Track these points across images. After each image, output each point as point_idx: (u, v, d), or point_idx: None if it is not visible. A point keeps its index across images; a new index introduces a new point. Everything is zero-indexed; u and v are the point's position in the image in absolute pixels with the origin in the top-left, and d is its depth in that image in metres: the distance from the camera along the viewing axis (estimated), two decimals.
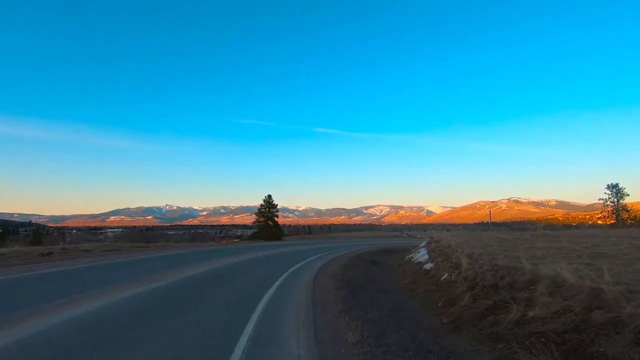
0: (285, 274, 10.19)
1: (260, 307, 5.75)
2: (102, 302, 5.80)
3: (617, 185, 62.10)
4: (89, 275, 9.26)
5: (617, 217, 60.56)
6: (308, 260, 15.55)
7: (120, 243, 23.20)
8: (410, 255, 16.72)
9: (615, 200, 61.68)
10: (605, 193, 61.57)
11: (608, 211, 64.33)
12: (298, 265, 13.15)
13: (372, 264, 15.95)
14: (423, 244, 18.41)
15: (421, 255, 14.11)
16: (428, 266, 11.09)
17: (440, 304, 7.38)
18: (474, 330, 5.52)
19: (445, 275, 8.97)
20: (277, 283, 8.46)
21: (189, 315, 5.17)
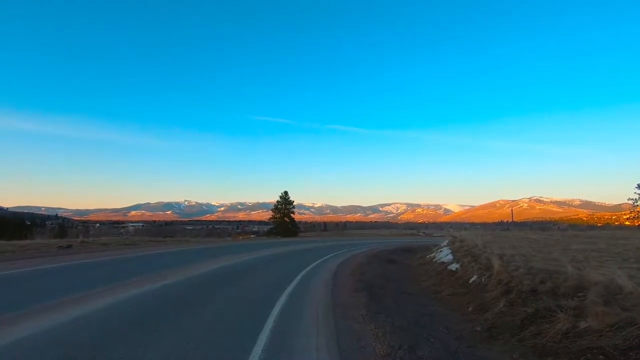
0: (303, 273, 9.76)
1: (275, 310, 5.27)
2: (106, 301, 5.47)
3: None
4: (100, 270, 9.07)
5: None
6: (325, 258, 15.11)
7: (138, 237, 23.36)
8: (432, 255, 16.04)
9: None
10: (635, 193, 58.85)
11: (638, 211, 61.51)
12: (315, 263, 12.72)
13: (390, 263, 15.37)
14: (445, 243, 17.69)
15: (444, 255, 13.44)
16: (453, 267, 10.45)
17: (470, 308, 6.79)
18: (514, 341, 4.93)
19: (474, 278, 8.34)
20: (294, 283, 8.01)
21: (196, 321, 4.65)
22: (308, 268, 10.95)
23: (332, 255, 16.87)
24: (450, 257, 12.26)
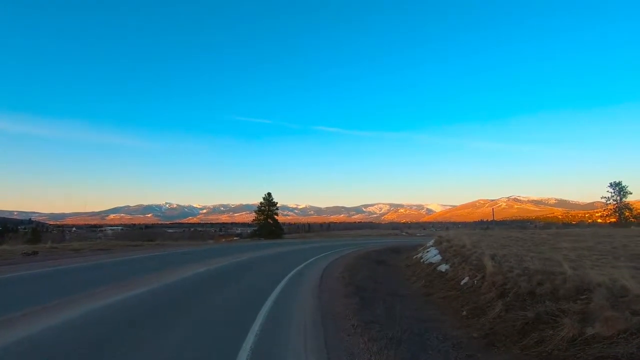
0: (287, 277, 9.22)
1: (257, 323, 4.69)
2: (62, 316, 4.80)
3: (620, 183, 61.35)
4: (62, 280, 8.17)
5: (619, 215, 59.87)
6: (311, 260, 14.61)
7: (114, 241, 22.27)
8: (419, 255, 15.80)
9: (618, 198, 60.96)
10: (607, 191, 60.94)
11: (610, 209, 63.63)
12: (301, 266, 12.21)
13: (379, 265, 15.04)
14: (431, 243, 17.50)
15: (432, 255, 13.18)
16: (443, 268, 10.16)
17: (464, 312, 6.46)
18: (516, 349, 4.58)
19: (466, 279, 8.04)
20: (278, 289, 7.45)
21: (167, 338, 4.04)
22: (293, 272, 10.42)
23: (318, 257, 16.40)
24: (438, 257, 11.99)
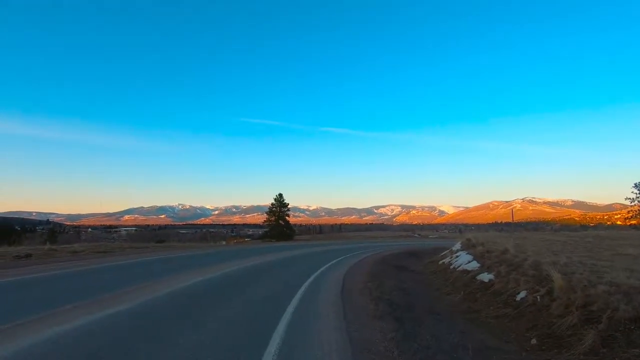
0: (303, 289, 7.72)
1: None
2: (19, 344, 3.57)
3: None
4: (42, 290, 6.91)
5: None
6: (327, 266, 13.18)
7: (118, 243, 21.24)
8: (446, 261, 14.24)
9: None
10: (632, 192, 58.05)
11: (635, 211, 60.62)
12: (317, 273, 10.79)
13: (401, 271, 13.54)
14: (459, 247, 15.89)
15: (464, 261, 11.62)
16: (485, 277, 8.62)
17: (534, 341, 4.96)
18: None
19: (523, 294, 6.52)
20: (293, 307, 5.92)
21: None
22: (309, 281, 8.98)
23: (334, 261, 14.97)
24: (475, 264, 10.43)
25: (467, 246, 14.71)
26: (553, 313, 5.35)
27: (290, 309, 5.68)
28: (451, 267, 12.40)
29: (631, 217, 60.44)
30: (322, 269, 12.04)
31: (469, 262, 11.23)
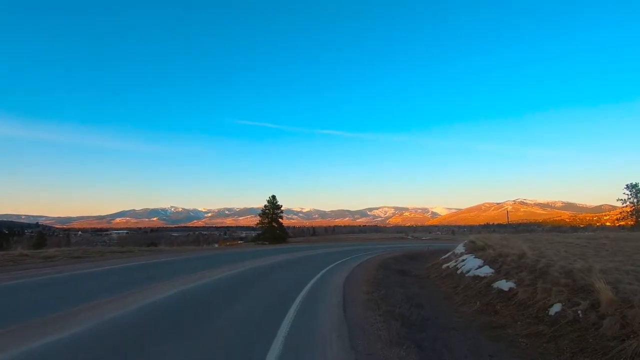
0: (299, 301, 6.68)
1: None
2: None
3: (637, 185, 58.53)
4: None
5: (637, 218, 56.90)
6: (325, 271, 12.11)
7: (99, 247, 19.91)
8: (450, 265, 13.27)
9: (635, 200, 58.01)
10: (624, 193, 58.29)
11: (627, 212, 60.61)
12: (314, 280, 9.70)
13: (403, 276, 12.56)
14: (463, 250, 14.93)
15: (473, 265, 10.64)
16: (504, 285, 7.63)
17: None
18: None
19: (558, 307, 5.53)
20: (287, 325, 4.85)
21: None
22: (305, 291, 7.86)
23: (332, 266, 13.90)
24: (487, 269, 9.45)
25: (473, 249, 13.75)
26: (606, 334, 4.37)
27: (283, 330, 4.59)
28: (458, 272, 11.42)
29: (623, 217, 60.59)
30: (318, 275, 10.96)
31: (480, 267, 10.25)
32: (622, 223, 60.14)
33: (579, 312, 5.09)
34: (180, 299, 6.44)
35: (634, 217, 57.74)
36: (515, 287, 7.22)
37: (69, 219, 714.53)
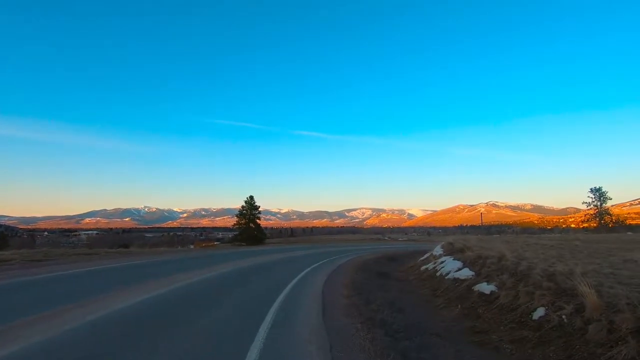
0: (275, 308, 6.29)
1: None
2: None
3: (600, 189, 61.50)
4: None
5: (600, 220, 59.73)
6: (303, 274, 11.75)
7: (63, 249, 18.72)
8: (429, 267, 13.23)
9: (599, 203, 60.92)
10: (588, 196, 61.05)
11: (590, 214, 63.55)
12: (292, 284, 9.31)
13: (383, 279, 12.37)
14: (441, 252, 14.95)
15: (453, 267, 10.58)
16: (484, 288, 7.53)
17: None
18: None
19: (542, 312, 5.42)
20: (261, 338, 4.42)
21: None
22: (282, 296, 7.45)
23: (310, 269, 13.55)
24: (467, 272, 9.38)
25: (452, 251, 13.78)
26: (593, 339, 4.25)
27: (258, 342, 4.21)
28: (438, 274, 11.36)
29: (587, 220, 63.40)
30: (297, 278, 10.59)
31: (459, 269, 10.19)
32: (585, 225, 62.94)
33: (564, 316, 4.98)
34: (143, 309, 5.91)
35: (598, 219, 60.54)
36: (496, 291, 7.13)
37: (34, 219, 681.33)
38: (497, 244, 12.27)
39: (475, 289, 7.87)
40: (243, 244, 45.19)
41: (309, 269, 13.63)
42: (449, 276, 10.10)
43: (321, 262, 17.12)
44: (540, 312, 5.47)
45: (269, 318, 5.45)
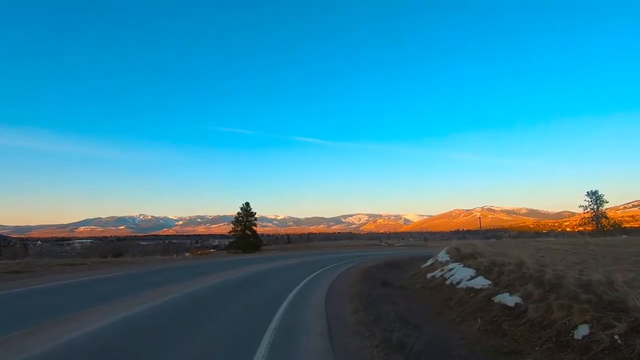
0: (273, 328, 5.43)
1: None
2: None
3: (596, 192, 61.47)
4: None
5: (597, 223, 59.48)
6: (302, 285, 10.88)
7: (47, 260, 17.69)
8: (435, 274, 12.44)
9: (595, 207, 60.74)
10: (585, 200, 60.94)
11: (587, 218, 63.34)
12: (291, 296, 8.43)
13: (389, 289, 11.53)
14: (446, 257, 14.17)
15: (464, 275, 9.78)
16: (507, 300, 6.74)
17: None
18: None
19: (585, 330, 4.63)
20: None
21: None
22: (280, 312, 6.59)
23: (310, 278, 12.70)
24: (482, 280, 8.58)
25: (460, 257, 12.98)
26: None
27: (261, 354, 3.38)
28: (447, 282, 10.56)
29: (584, 223, 63.11)
30: (296, 289, 9.74)
31: (472, 277, 9.40)
32: (581, 228, 62.73)
33: (616, 336, 4.20)
34: (123, 330, 5.05)
35: (595, 222, 60.30)
36: (522, 303, 6.34)
37: (27, 228, 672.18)
38: (510, 249, 11.49)
39: (495, 301, 7.07)
40: (239, 251, 44.23)
41: (309, 277, 12.77)
42: (461, 285, 9.30)
43: (322, 269, 16.26)
44: (583, 330, 4.69)
45: (265, 340, 4.62)
